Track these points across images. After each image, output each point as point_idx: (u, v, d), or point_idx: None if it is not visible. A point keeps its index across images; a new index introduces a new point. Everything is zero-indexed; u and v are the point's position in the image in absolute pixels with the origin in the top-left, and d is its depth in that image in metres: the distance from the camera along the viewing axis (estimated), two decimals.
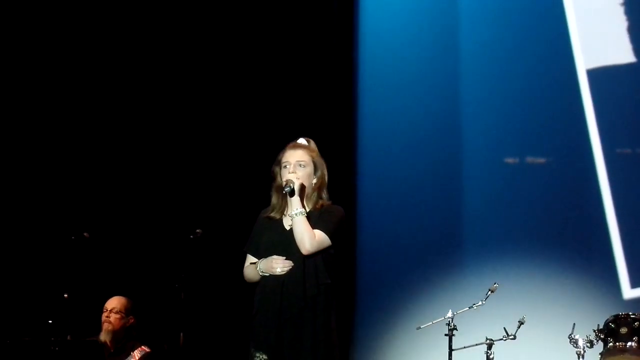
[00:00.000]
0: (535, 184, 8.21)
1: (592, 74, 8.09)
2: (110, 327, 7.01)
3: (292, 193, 5.33)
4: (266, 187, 8.48)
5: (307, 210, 5.38)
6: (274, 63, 8.77)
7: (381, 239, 8.58)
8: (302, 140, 5.54)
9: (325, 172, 5.50)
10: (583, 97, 8.09)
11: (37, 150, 8.62)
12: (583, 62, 8.12)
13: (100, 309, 7.11)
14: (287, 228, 5.39)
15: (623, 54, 8.04)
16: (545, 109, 8.24)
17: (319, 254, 5.30)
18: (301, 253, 5.29)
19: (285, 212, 5.42)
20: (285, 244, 5.35)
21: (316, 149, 5.53)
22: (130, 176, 8.67)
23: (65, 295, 7.18)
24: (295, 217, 5.30)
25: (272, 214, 5.46)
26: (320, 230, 5.30)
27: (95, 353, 6.61)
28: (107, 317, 7.04)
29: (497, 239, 8.21)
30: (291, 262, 5.30)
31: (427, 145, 8.54)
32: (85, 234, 7.33)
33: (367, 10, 8.90)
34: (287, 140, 8.40)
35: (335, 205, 5.47)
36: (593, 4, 8.21)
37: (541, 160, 8.27)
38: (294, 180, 5.35)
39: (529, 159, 8.30)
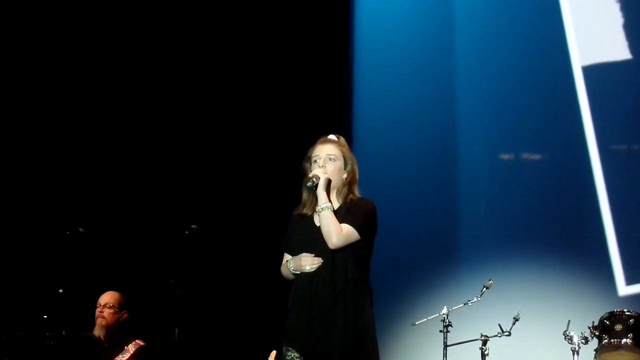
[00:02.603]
0: (530, 180, 8.21)
1: (588, 70, 8.09)
2: (104, 322, 7.01)
3: (314, 187, 5.28)
4: (261, 183, 8.53)
5: (338, 204, 5.34)
6: (270, 63, 8.77)
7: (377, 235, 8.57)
8: (332, 136, 5.48)
9: (356, 168, 5.44)
10: (578, 93, 8.10)
11: (33, 146, 8.61)
12: (578, 59, 8.12)
13: (94, 304, 7.11)
14: (318, 224, 5.33)
15: (618, 51, 8.04)
16: (541, 105, 8.24)
17: (348, 249, 5.25)
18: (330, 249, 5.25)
19: (315, 209, 5.37)
20: (315, 240, 5.29)
21: (346, 144, 5.48)
22: (126, 172, 8.67)
23: (60, 291, 7.18)
24: (322, 212, 5.26)
25: (304, 211, 5.41)
26: (348, 224, 5.24)
27: (90, 348, 6.60)
28: (100, 312, 7.04)
29: (492, 236, 8.22)
30: (320, 259, 5.25)
31: (422, 142, 8.54)
32: (80, 229, 7.32)
33: (362, 7, 8.90)
34: (282, 138, 8.47)
35: (366, 199, 5.40)
36: (588, 1, 8.21)
37: (536, 157, 8.28)
38: (320, 174, 5.30)
39: (525, 156, 8.30)
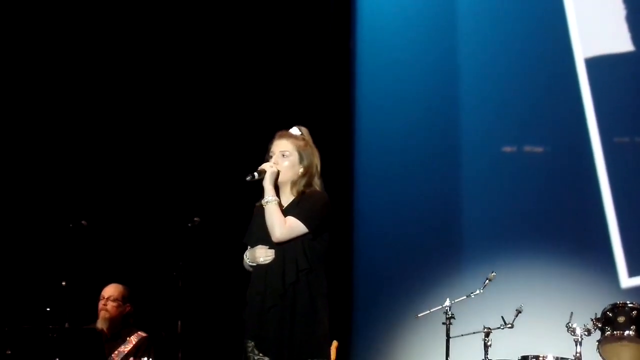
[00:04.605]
0: (533, 173, 8.21)
1: (590, 62, 8.08)
2: (107, 315, 7.04)
3: (253, 180, 5.30)
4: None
5: (293, 197, 5.34)
6: (273, 59, 8.78)
7: (379, 228, 8.59)
8: (293, 129, 5.48)
9: (315, 161, 5.40)
10: (581, 86, 8.09)
11: (35, 138, 8.62)
12: (581, 51, 8.11)
13: (97, 296, 7.13)
14: None
15: (621, 43, 8.03)
16: (544, 98, 8.24)
17: (299, 240, 5.25)
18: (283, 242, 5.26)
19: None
20: (269, 233, 5.32)
21: (306, 138, 5.44)
22: (129, 164, 8.68)
23: (63, 283, 7.19)
24: (266, 205, 5.29)
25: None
26: (294, 216, 5.25)
27: (93, 340, 6.61)
28: (104, 304, 7.07)
29: (495, 228, 8.21)
30: (274, 250, 5.28)
31: (425, 136, 8.54)
32: (83, 221, 7.33)
33: (365, 4, 8.90)
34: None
35: (319, 191, 5.38)
36: None
37: (539, 149, 8.27)
38: (267, 168, 5.33)
39: (527, 148, 8.30)
